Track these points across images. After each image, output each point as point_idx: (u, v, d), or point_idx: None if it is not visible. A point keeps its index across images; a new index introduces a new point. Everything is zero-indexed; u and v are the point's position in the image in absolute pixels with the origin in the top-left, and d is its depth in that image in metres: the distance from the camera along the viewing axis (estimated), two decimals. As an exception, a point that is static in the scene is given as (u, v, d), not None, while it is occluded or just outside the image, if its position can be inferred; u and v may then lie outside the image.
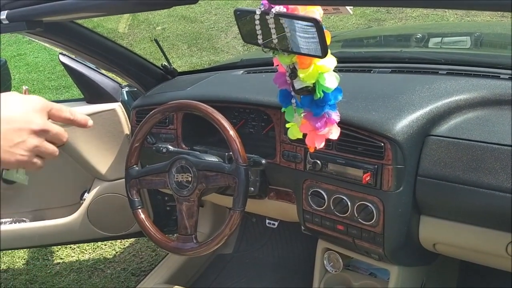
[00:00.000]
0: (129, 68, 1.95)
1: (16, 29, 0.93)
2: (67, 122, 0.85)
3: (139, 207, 1.52)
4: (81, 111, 1.99)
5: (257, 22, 0.84)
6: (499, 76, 1.42)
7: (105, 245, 2.82)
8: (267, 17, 0.83)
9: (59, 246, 2.80)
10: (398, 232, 1.35)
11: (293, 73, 0.92)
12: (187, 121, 1.75)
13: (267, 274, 2.25)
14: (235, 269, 2.30)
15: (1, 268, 2.75)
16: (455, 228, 1.30)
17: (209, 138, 1.72)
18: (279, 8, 0.81)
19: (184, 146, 1.74)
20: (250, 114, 1.75)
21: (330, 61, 0.89)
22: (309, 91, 0.92)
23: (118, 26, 5.96)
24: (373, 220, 1.34)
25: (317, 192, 1.44)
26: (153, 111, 1.51)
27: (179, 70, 2.16)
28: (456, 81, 1.44)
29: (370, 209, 1.33)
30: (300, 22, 0.82)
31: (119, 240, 2.80)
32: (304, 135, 1.01)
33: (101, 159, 2.08)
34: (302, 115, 0.98)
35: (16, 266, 2.76)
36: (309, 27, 0.81)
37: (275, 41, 0.85)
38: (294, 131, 1.02)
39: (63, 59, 1.98)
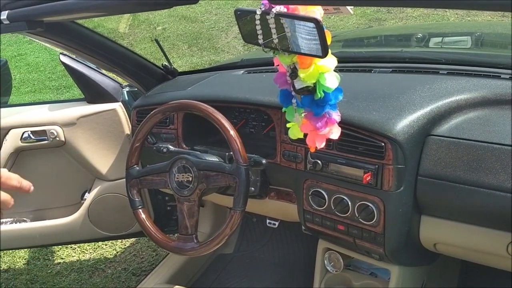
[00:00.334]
0: (130, 68, 1.95)
1: (17, 29, 0.93)
2: (15, 190, 0.90)
3: (140, 207, 1.52)
4: (82, 112, 2.02)
5: (257, 22, 0.84)
6: (500, 76, 1.42)
7: (106, 245, 2.83)
8: (267, 17, 0.83)
9: (59, 246, 2.81)
10: (398, 232, 1.35)
11: (294, 73, 0.92)
12: (187, 121, 1.75)
13: (267, 274, 2.25)
14: (236, 269, 2.30)
15: (2, 268, 2.76)
16: (455, 228, 1.30)
17: (210, 138, 1.72)
18: (279, 8, 0.81)
19: (184, 146, 1.74)
20: (251, 114, 1.75)
21: (331, 61, 0.89)
22: (310, 91, 0.92)
23: (119, 26, 5.96)
24: (373, 220, 1.34)
25: (317, 192, 1.44)
26: (153, 111, 1.51)
27: (180, 70, 2.16)
28: (457, 81, 1.44)
29: (371, 209, 1.33)
30: (300, 22, 0.82)
31: (119, 240, 2.80)
32: (305, 135, 1.01)
33: (102, 159, 2.08)
34: (302, 115, 0.98)
35: (17, 266, 2.76)
36: (309, 27, 0.81)
37: (276, 41, 0.85)
38: (295, 131, 1.02)
39: (64, 59, 1.98)
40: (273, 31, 0.84)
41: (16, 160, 2.08)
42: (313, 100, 0.94)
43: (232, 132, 1.39)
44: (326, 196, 1.42)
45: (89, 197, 2.12)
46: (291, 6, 0.82)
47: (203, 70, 2.17)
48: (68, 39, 1.72)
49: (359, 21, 5.16)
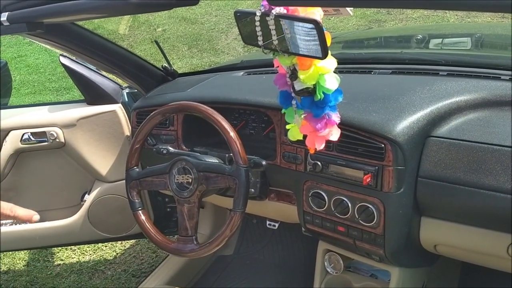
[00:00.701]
0: (130, 70, 1.95)
1: (17, 30, 0.93)
2: (8, 218, 0.91)
3: (140, 208, 1.52)
4: (82, 113, 2.01)
5: (257, 23, 0.84)
6: (500, 77, 1.42)
7: (106, 246, 2.82)
8: (267, 18, 0.83)
9: (59, 248, 2.80)
10: (399, 234, 1.34)
11: (294, 75, 0.91)
12: (187, 122, 1.75)
13: (267, 275, 2.25)
14: (236, 270, 2.30)
15: (2, 269, 2.75)
16: (456, 230, 1.30)
17: (210, 140, 1.72)
18: (279, 10, 0.81)
19: (184, 147, 1.74)
20: (251, 116, 1.75)
21: (331, 62, 0.89)
22: (310, 92, 0.92)
23: (119, 28, 5.96)
24: (373, 222, 1.34)
25: (317, 193, 1.44)
26: (153, 113, 1.51)
27: (180, 71, 2.16)
28: (457, 82, 1.44)
29: (371, 211, 1.33)
30: (300, 23, 0.81)
31: (119, 242, 2.80)
32: (304, 137, 1.01)
33: (102, 160, 2.08)
34: (302, 116, 0.98)
35: (16, 268, 2.76)
36: (309, 29, 0.80)
37: (276, 42, 0.85)
38: (294, 133, 1.02)
39: (64, 60, 1.98)
40: (273, 32, 0.84)
41: (16, 162, 2.08)
42: (313, 101, 0.94)
43: (232, 134, 1.39)
44: (326, 197, 1.42)
45: (89, 198, 2.12)
46: (291, 8, 0.82)
47: (203, 71, 2.17)
48: (68, 41, 1.72)
49: (359, 22, 5.16)
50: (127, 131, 2.05)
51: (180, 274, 2.16)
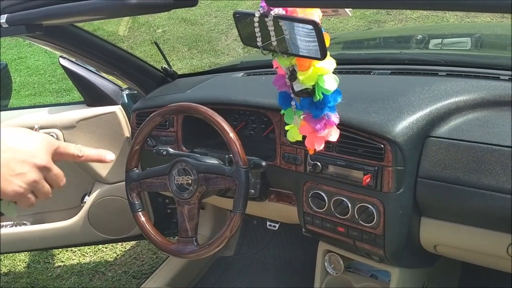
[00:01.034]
0: (129, 71, 1.95)
1: (16, 32, 0.93)
2: (77, 159, 0.87)
3: (140, 210, 1.52)
4: (82, 115, 2.01)
5: (256, 24, 0.84)
6: (499, 77, 1.42)
7: (106, 248, 2.82)
8: (266, 19, 0.83)
9: (60, 249, 2.81)
10: (398, 234, 1.34)
11: (293, 75, 0.91)
12: (187, 123, 1.75)
13: (268, 276, 2.25)
14: (236, 271, 2.30)
15: (2, 271, 2.75)
16: (456, 230, 1.30)
17: (209, 141, 1.72)
18: (278, 11, 0.81)
19: (184, 148, 1.74)
20: (250, 116, 1.75)
21: (330, 63, 0.89)
22: (309, 93, 0.92)
23: (119, 29, 5.97)
24: (373, 222, 1.34)
25: (317, 194, 1.44)
26: (153, 114, 1.51)
27: (180, 72, 2.16)
28: (456, 82, 1.44)
29: (371, 211, 1.33)
30: (299, 24, 0.82)
31: (120, 243, 2.80)
32: (304, 137, 1.01)
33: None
34: (301, 117, 0.98)
35: (17, 269, 2.76)
36: (308, 29, 0.81)
37: (274, 43, 0.85)
38: (294, 133, 1.02)
39: (63, 62, 1.98)
40: (272, 33, 0.84)
41: (16, 163, 2.08)
42: (312, 102, 0.94)
43: (232, 135, 1.39)
44: (326, 198, 1.42)
45: (89, 200, 2.12)
46: (289, 9, 0.82)
47: (203, 72, 2.17)
48: (68, 42, 1.72)
49: (359, 23, 5.17)
50: (127, 132, 2.06)
51: (180, 275, 2.16)
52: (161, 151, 1.60)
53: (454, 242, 1.33)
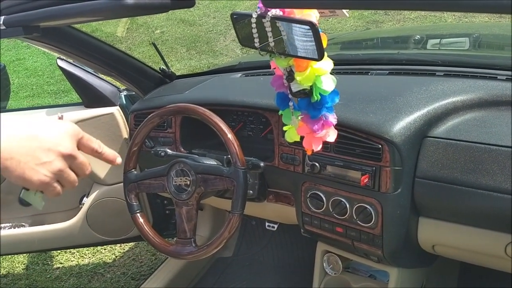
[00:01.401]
0: (127, 72, 1.95)
1: (13, 34, 0.92)
2: (94, 154, 0.86)
3: (138, 211, 1.52)
4: (80, 116, 2.01)
5: (253, 25, 0.84)
6: (496, 77, 1.42)
7: (105, 249, 2.82)
8: (263, 20, 0.83)
9: (58, 251, 2.80)
10: (397, 234, 1.34)
11: (290, 76, 0.91)
12: (185, 124, 1.75)
13: (267, 276, 2.25)
14: (235, 272, 2.30)
15: (1, 273, 2.75)
16: (454, 230, 1.30)
17: (208, 142, 1.72)
18: (275, 12, 0.82)
19: (182, 149, 1.74)
20: (249, 117, 1.75)
21: (327, 63, 0.89)
22: (306, 93, 0.92)
23: (117, 30, 5.96)
24: (371, 222, 1.34)
25: (315, 194, 1.44)
26: (151, 115, 1.51)
27: (178, 73, 2.16)
28: (453, 82, 1.44)
29: (369, 211, 1.33)
30: (296, 25, 0.82)
31: (118, 244, 2.80)
32: (301, 138, 1.01)
33: (100, 163, 2.05)
34: (299, 117, 0.98)
35: (16, 271, 2.76)
36: (305, 30, 0.81)
37: (272, 44, 0.85)
38: (292, 134, 1.02)
39: (61, 63, 1.98)
40: (269, 34, 0.84)
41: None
42: (310, 102, 0.94)
43: (230, 135, 1.39)
44: (324, 198, 1.42)
45: (87, 201, 2.12)
46: (286, 10, 0.82)
47: (201, 73, 2.17)
48: (65, 44, 1.72)
49: (357, 23, 5.17)
50: (125, 133, 2.05)
51: (179, 276, 2.16)
52: (159, 152, 1.60)
53: (452, 242, 1.33)
